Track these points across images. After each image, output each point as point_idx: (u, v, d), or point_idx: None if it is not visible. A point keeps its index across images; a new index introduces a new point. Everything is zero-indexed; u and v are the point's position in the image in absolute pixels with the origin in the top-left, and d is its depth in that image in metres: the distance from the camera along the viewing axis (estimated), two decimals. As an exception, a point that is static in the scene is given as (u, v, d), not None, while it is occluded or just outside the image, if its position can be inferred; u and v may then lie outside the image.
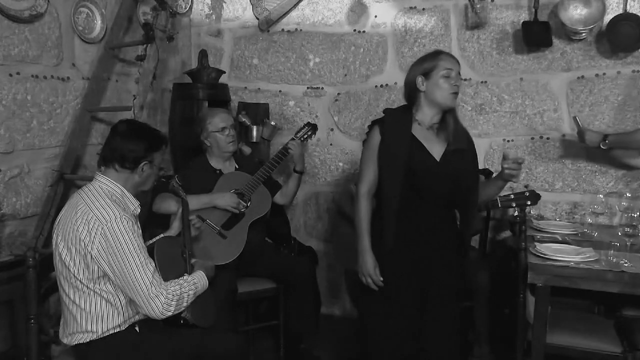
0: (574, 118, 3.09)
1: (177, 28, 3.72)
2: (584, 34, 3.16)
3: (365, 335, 2.39)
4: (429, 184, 2.24)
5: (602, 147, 2.92)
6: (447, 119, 2.30)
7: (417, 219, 2.26)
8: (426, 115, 2.30)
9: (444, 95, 2.24)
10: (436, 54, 2.30)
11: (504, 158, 2.20)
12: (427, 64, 2.28)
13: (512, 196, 2.85)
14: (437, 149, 2.28)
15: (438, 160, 2.26)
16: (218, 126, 2.96)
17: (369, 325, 2.38)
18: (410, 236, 2.25)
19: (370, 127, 2.37)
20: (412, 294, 2.28)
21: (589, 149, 3.14)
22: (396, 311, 2.28)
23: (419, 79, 2.27)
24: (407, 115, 2.32)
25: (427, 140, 2.28)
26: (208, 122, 2.99)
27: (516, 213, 2.97)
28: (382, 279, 2.26)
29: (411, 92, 2.32)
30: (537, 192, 2.84)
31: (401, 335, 2.28)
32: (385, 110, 2.42)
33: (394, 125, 2.31)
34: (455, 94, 2.25)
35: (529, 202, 2.83)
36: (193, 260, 2.22)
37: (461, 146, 2.29)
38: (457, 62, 2.30)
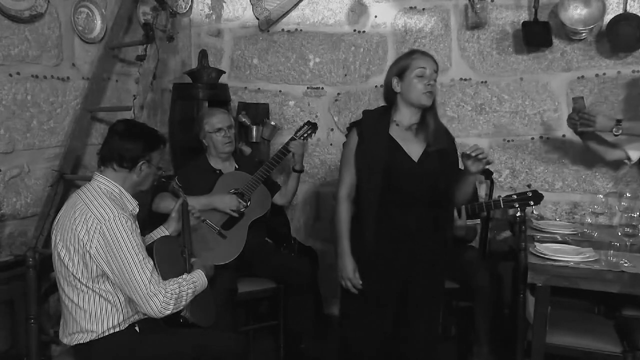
0: (580, 99, 2.80)
1: (177, 28, 3.72)
2: (584, 34, 3.16)
3: (347, 335, 2.38)
4: (407, 185, 2.22)
5: (614, 133, 2.69)
6: (427, 119, 2.27)
7: (397, 221, 2.23)
8: (404, 115, 2.28)
9: (417, 95, 2.20)
10: (410, 54, 2.27)
11: (463, 155, 2.12)
12: (400, 64, 2.26)
13: (515, 196, 2.85)
14: (415, 150, 2.25)
15: (416, 160, 2.24)
16: (214, 127, 2.97)
17: (347, 325, 2.38)
18: (390, 238, 2.23)
19: (349, 129, 2.36)
20: (391, 296, 2.27)
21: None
22: (373, 312, 2.27)
23: (394, 80, 2.25)
24: (385, 116, 2.30)
25: (405, 140, 2.26)
26: (205, 122, 3.00)
27: (518, 213, 2.97)
28: (361, 282, 2.25)
29: (388, 93, 2.30)
30: (540, 192, 2.84)
31: (376, 336, 2.28)
32: (364, 112, 2.40)
33: (371, 126, 2.29)
34: (430, 92, 2.21)
35: (531, 202, 2.82)
36: (192, 260, 2.23)
37: (442, 146, 2.26)
38: (433, 60, 2.25)
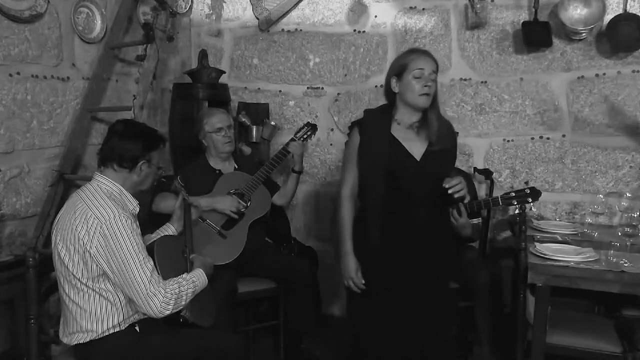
0: None
1: (177, 28, 3.71)
2: (584, 34, 3.16)
3: (356, 335, 2.36)
4: (409, 184, 2.20)
5: None
6: (429, 118, 2.24)
7: (400, 219, 2.22)
8: (404, 115, 2.27)
9: (414, 97, 2.19)
10: (409, 53, 2.25)
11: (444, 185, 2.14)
12: (399, 63, 2.24)
13: (513, 194, 2.85)
14: (417, 149, 2.24)
15: (418, 159, 2.22)
16: (214, 126, 2.97)
17: (360, 324, 2.35)
18: (394, 237, 2.22)
19: (351, 128, 2.35)
20: (399, 294, 2.24)
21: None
22: (384, 310, 2.25)
23: (393, 80, 2.24)
24: (386, 114, 2.29)
25: (407, 139, 2.24)
26: (205, 122, 3.00)
27: (517, 210, 2.97)
28: (363, 281, 2.24)
29: (388, 92, 2.29)
30: (537, 189, 2.84)
31: (392, 334, 2.26)
32: (365, 111, 2.39)
33: (372, 125, 2.28)
34: (427, 94, 2.18)
35: (529, 199, 2.83)
36: (192, 256, 2.23)
37: (445, 146, 2.24)
38: (432, 59, 2.22)
